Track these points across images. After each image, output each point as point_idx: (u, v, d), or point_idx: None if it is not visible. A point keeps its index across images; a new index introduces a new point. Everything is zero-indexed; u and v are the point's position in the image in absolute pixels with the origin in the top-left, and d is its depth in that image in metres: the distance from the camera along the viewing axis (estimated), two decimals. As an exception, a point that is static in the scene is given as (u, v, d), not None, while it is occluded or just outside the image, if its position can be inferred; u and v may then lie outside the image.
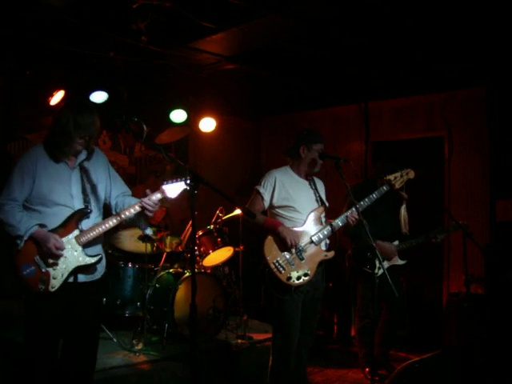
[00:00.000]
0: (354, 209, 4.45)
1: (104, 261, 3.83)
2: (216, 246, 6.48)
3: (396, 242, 5.60)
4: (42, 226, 3.54)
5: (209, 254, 6.46)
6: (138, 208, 3.71)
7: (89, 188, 3.74)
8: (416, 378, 4.23)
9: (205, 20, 5.34)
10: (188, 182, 3.17)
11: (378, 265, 4.85)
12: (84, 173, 3.74)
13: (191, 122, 7.66)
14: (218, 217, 6.65)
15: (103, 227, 3.68)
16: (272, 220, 4.50)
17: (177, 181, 3.67)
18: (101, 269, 3.81)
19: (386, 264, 5.54)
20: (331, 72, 7.08)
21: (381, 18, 5.41)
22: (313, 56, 6.56)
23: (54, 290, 3.51)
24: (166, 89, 7.40)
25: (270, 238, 4.38)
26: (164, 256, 6.44)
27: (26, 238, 3.48)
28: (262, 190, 4.53)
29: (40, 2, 4.95)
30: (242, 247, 6.72)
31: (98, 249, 3.78)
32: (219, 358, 5.71)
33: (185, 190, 3.56)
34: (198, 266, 6.38)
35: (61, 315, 3.60)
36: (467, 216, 6.38)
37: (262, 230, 4.43)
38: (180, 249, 6.65)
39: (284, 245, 4.35)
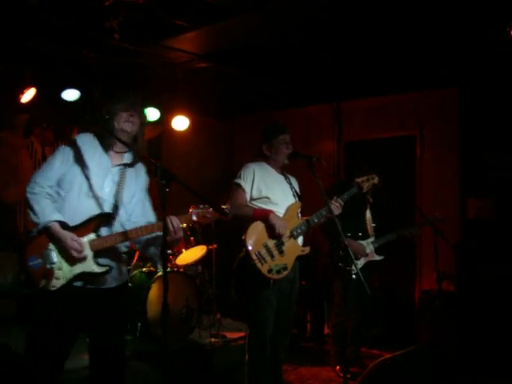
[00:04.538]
0: (334, 199, 4.48)
1: (121, 270, 3.53)
2: (189, 245, 6.48)
3: (372, 238, 5.65)
4: (63, 224, 3.29)
5: (181, 252, 6.45)
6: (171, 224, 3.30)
7: (122, 196, 3.46)
8: (388, 375, 4.26)
9: (178, 18, 5.32)
10: (163, 181, 3.03)
11: (352, 263, 4.87)
12: (122, 177, 3.48)
13: (164, 120, 7.63)
14: (191, 215, 6.62)
15: (121, 238, 3.38)
16: (261, 209, 4.42)
17: (207, 209, 3.37)
18: (111, 279, 3.45)
19: (363, 260, 5.59)
20: (304, 71, 7.09)
21: (355, 18, 5.44)
22: (286, 55, 6.56)
23: (53, 289, 3.26)
24: (139, 87, 7.34)
25: (252, 225, 4.31)
26: (136, 255, 6.40)
27: (39, 229, 3.27)
28: (242, 183, 4.48)
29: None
30: (215, 245, 6.72)
31: (109, 260, 3.43)
32: (193, 357, 5.70)
33: (216, 216, 3.38)
34: (171, 265, 6.36)
35: (67, 320, 3.33)
36: (438, 213, 6.43)
37: (252, 221, 4.33)
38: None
39: (271, 232, 4.31)
